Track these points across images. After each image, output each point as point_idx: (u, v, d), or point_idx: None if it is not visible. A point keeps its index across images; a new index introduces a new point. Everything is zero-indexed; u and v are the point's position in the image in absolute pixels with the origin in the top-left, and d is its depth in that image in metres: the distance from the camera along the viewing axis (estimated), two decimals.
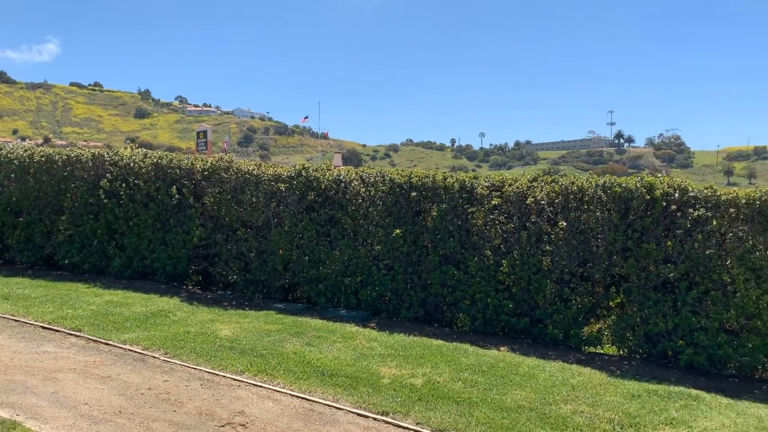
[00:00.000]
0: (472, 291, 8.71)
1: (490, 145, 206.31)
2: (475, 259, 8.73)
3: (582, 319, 8.29)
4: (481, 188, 8.87)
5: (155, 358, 7.08)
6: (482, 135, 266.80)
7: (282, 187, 9.95)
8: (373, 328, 8.63)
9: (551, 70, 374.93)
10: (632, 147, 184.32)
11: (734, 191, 7.65)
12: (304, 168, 10.04)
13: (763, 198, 7.32)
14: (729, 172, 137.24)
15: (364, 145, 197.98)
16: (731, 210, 7.47)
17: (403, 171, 9.62)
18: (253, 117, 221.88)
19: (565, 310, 8.20)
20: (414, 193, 9.14)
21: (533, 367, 7.14)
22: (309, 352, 7.35)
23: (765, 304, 7.13)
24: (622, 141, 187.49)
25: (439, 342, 8.03)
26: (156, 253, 10.95)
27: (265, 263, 10.14)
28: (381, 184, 9.43)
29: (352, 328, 8.51)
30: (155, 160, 11.22)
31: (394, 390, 6.24)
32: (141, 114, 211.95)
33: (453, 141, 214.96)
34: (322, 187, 9.76)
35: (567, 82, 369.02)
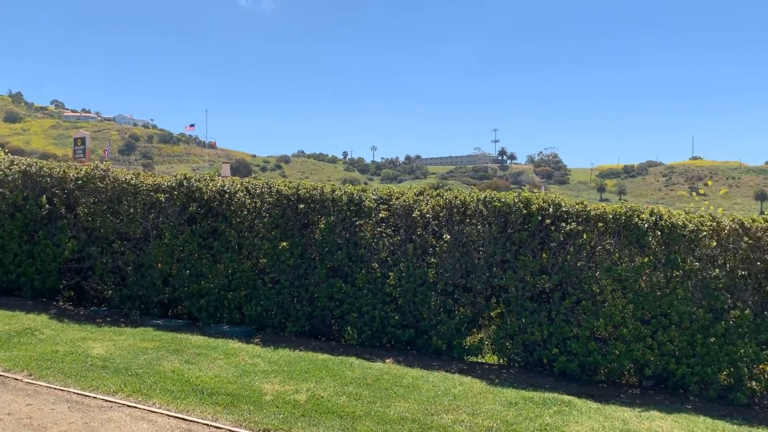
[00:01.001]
0: (360, 304, 8.73)
1: (382, 158, 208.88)
2: (363, 271, 8.76)
3: (464, 329, 8.51)
4: (369, 201, 8.93)
5: (17, 380, 6.56)
6: (374, 149, 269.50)
7: (162, 197, 9.55)
8: (257, 344, 8.44)
9: (439, 87, 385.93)
10: (514, 164, 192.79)
11: (603, 206, 8.14)
12: (185, 178, 9.70)
13: (628, 213, 7.83)
14: (601, 189, 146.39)
15: (254, 156, 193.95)
16: (600, 224, 7.94)
17: (290, 182, 9.52)
18: (136, 124, 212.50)
19: (449, 320, 8.38)
20: (302, 205, 9.06)
21: (417, 378, 7.24)
22: (188, 370, 7.07)
23: (629, 313, 7.62)
24: (505, 158, 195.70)
25: (325, 356, 7.97)
26: (22, 267, 10.18)
27: (143, 277, 9.68)
28: (267, 196, 9.28)
29: (234, 344, 8.28)
30: (23, 168, 10.46)
31: (277, 407, 6.11)
32: (12, 118, 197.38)
33: (345, 154, 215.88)
34: (205, 198, 9.47)
35: (455, 98, 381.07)
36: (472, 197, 8.55)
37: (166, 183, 9.73)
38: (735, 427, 6.40)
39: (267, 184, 9.51)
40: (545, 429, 5.90)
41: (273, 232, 9.12)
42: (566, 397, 6.89)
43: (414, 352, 8.67)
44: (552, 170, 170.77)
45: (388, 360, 8.08)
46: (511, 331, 8.20)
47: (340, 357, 7.99)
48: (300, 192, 9.14)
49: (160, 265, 9.53)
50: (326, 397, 6.40)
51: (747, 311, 7.35)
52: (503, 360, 8.55)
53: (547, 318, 7.99)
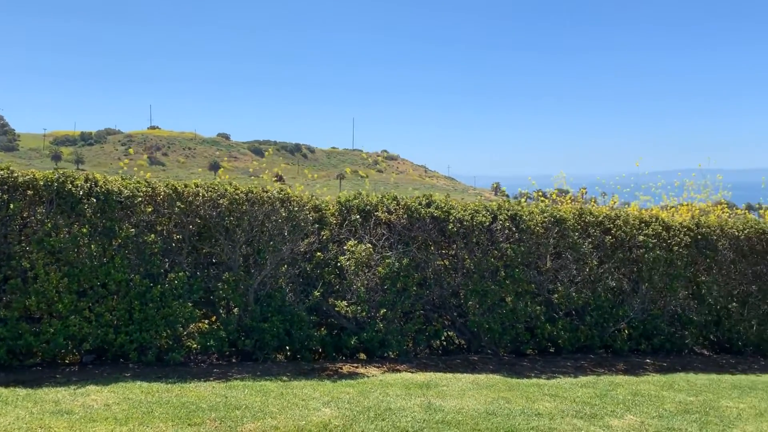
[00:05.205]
0: None
1: None
2: None
3: None
4: None
5: None
6: None
7: None
8: None
9: None
10: None
11: (32, 173, 7.37)
12: None
13: (61, 179, 7.28)
14: (57, 157, 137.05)
15: None
16: (30, 192, 7.17)
17: None
18: None
19: None
20: None
21: None
22: None
23: (65, 287, 7.12)
24: None
25: None
26: None
27: None
28: None
29: None
30: None
31: None
32: None
33: None
34: None
35: None
36: None
37: None
38: (169, 385, 6.65)
39: None
40: None
41: None
42: None
43: None
44: None
45: None
46: None
47: None
48: None
49: None
50: None
51: (182, 273, 7.71)
52: None
53: None
